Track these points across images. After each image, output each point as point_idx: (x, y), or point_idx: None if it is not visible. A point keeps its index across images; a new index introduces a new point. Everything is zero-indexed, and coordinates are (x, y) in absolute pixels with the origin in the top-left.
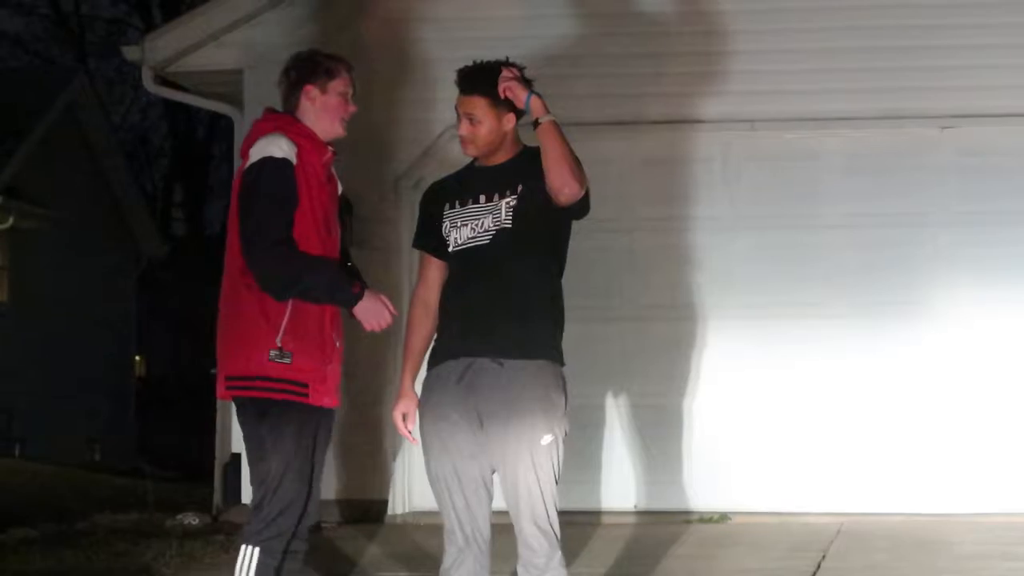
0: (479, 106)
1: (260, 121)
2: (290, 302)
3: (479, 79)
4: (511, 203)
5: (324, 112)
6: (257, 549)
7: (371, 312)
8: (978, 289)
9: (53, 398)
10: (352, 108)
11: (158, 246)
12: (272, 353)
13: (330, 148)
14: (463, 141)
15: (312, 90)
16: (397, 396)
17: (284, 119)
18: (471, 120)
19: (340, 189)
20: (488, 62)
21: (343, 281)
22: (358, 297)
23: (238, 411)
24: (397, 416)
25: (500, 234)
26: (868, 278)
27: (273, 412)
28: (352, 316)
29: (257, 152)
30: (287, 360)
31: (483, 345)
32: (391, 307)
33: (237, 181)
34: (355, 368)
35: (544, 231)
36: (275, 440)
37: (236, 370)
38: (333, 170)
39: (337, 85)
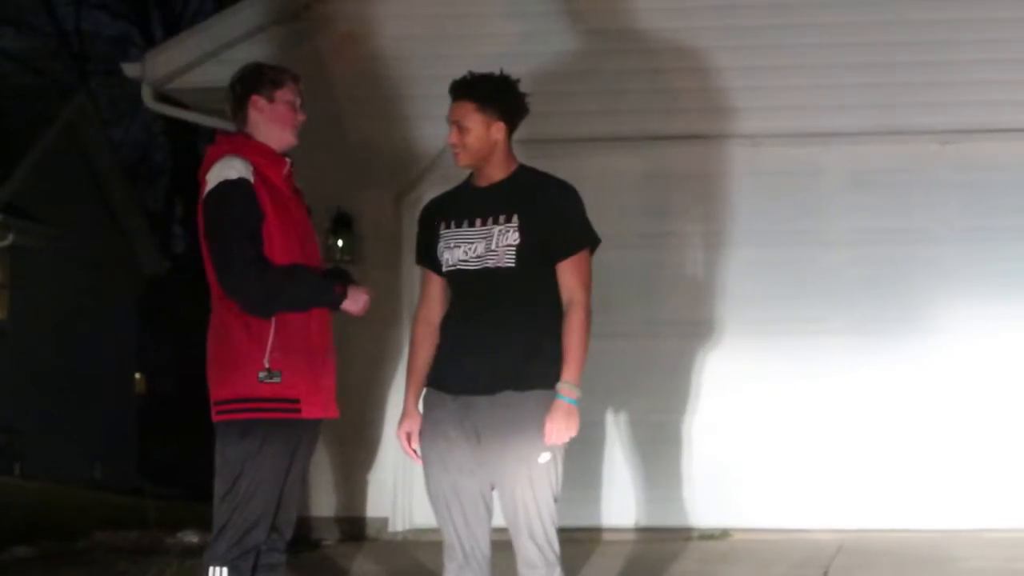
0: (467, 111)
1: (212, 146)
2: (274, 319)
3: (468, 85)
4: (510, 239)
5: (273, 122)
6: (226, 569)
7: (354, 304)
8: (980, 305)
9: (54, 416)
10: (301, 116)
11: (159, 263)
12: (261, 375)
13: (287, 160)
14: (453, 150)
15: (259, 100)
16: (402, 415)
17: (236, 139)
18: (460, 127)
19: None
20: (480, 74)
21: (324, 284)
22: (342, 297)
23: (219, 433)
24: (402, 435)
25: (498, 271)
26: (870, 293)
27: (258, 431)
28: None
29: (213, 178)
30: (277, 380)
31: (479, 384)
32: (369, 293)
33: (199, 209)
34: (354, 385)
35: (543, 265)
36: (253, 458)
37: (225, 394)
38: (296, 182)
39: (284, 94)
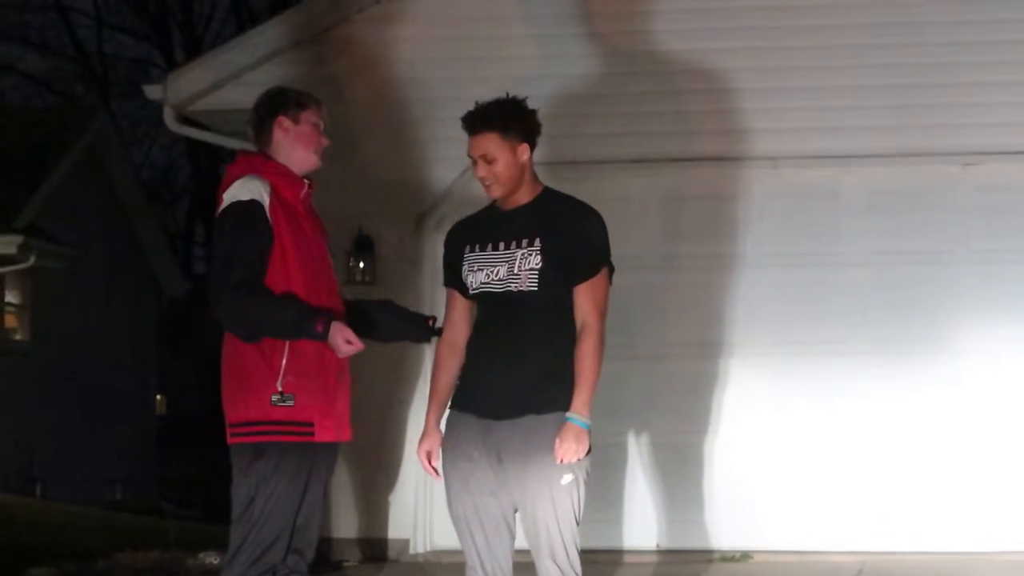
0: (491, 142)
1: (233, 165)
2: (287, 342)
3: (484, 116)
4: (532, 263)
5: (299, 142)
6: None
7: (338, 346)
8: (1000, 326)
9: (74, 437)
10: (325, 140)
11: (180, 284)
12: (274, 398)
13: (306, 181)
14: (484, 184)
15: (285, 120)
16: (423, 434)
17: (256, 159)
18: (486, 159)
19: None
20: (488, 102)
21: (307, 320)
22: (323, 335)
23: (233, 455)
24: (422, 454)
25: (521, 295)
26: (890, 316)
27: (271, 453)
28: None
29: (228, 198)
30: (290, 403)
31: (502, 408)
32: (356, 341)
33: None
34: (375, 406)
35: (565, 288)
36: (267, 480)
37: (239, 416)
38: (314, 205)
39: (309, 115)
